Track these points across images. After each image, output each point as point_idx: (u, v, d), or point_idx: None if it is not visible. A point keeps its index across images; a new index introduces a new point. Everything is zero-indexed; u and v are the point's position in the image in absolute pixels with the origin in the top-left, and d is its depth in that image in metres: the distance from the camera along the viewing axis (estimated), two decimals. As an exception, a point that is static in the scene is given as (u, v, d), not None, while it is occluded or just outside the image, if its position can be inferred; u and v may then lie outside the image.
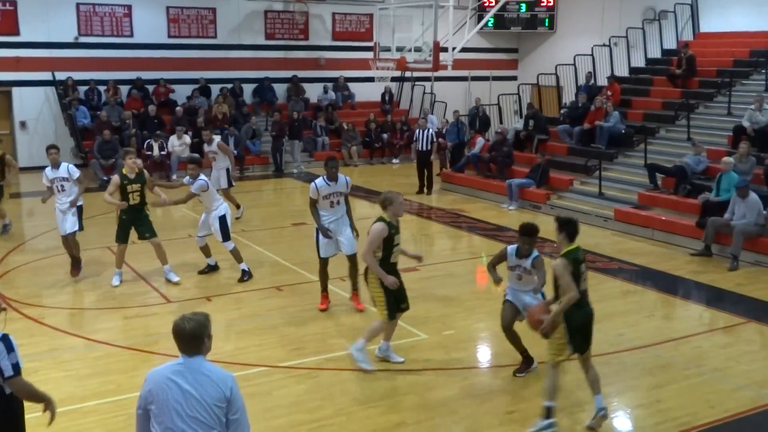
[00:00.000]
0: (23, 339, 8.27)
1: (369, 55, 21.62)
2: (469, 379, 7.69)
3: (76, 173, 10.82)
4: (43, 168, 11.17)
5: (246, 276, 10.93)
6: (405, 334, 8.75)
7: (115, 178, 10.48)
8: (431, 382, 7.53)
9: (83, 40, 21.66)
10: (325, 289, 9.73)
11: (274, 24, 24.36)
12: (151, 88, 22.37)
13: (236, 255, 11.03)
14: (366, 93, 25.10)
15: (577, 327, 6.39)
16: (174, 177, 19.78)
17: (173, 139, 19.97)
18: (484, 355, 8.49)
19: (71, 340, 8.60)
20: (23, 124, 21.30)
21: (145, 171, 10.99)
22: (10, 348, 4.54)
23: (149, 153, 19.99)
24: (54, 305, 9.76)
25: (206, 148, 13.60)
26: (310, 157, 22.65)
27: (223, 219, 10.88)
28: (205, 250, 11.24)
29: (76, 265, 11.01)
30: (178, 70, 22.76)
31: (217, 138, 14.39)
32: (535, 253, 7.56)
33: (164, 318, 9.06)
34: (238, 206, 14.92)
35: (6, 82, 20.90)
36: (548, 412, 6.44)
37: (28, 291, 10.26)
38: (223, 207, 10.98)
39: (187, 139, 20.24)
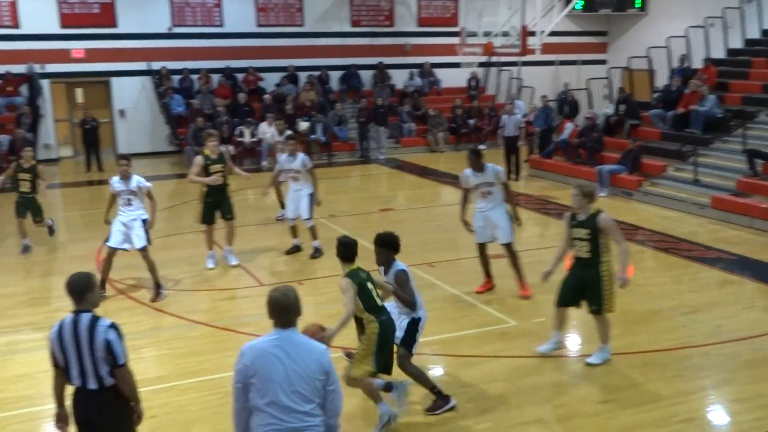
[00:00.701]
0: (126, 318, 8.63)
1: (455, 40, 21.48)
2: (560, 367, 7.58)
3: (147, 186, 9.73)
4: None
5: (317, 253, 11.35)
6: (494, 321, 8.71)
7: (198, 159, 10.74)
8: (521, 370, 7.46)
9: (176, 30, 22.28)
10: (486, 273, 9.73)
11: (360, 11, 24.46)
12: (240, 76, 22.82)
13: (314, 232, 11.44)
14: (452, 79, 24.93)
15: (382, 339, 6.11)
16: (264, 163, 20.18)
17: (263, 126, 20.34)
18: (574, 343, 8.34)
19: (170, 319, 8.90)
20: (122, 113, 22.10)
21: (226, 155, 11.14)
22: (120, 335, 4.64)
23: (240, 139, 20.44)
24: (154, 286, 10.06)
25: (277, 137, 13.59)
26: (397, 143, 22.70)
27: (312, 197, 11.30)
28: (294, 231, 11.60)
29: (156, 290, 9.78)
30: (266, 59, 23.14)
31: (292, 130, 14.16)
32: (398, 266, 6.60)
33: (257, 300, 9.24)
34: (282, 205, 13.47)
35: (105, 73, 21.71)
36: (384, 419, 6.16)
37: (129, 273, 10.62)
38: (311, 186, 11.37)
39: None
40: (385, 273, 6.64)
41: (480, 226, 9.54)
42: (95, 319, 4.61)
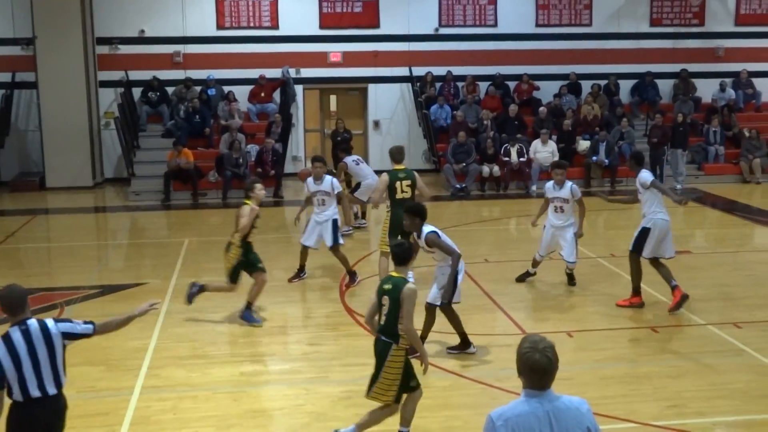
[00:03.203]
0: (365, 359, 9.02)
1: (784, 43, 20.24)
2: None
3: (338, 188, 12.44)
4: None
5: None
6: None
7: None
8: None
9: (443, 31, 23.10)
10: None
11: (662, 7, 23.89)
12: (512, 84, 23.10)
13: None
14: (776, 91, 23.51)
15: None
16: (534, 188, 20.20)
17: (536, 144, 20.38)
18: None
19: (416, 364, 9.14)
20: (376, 124, 23.28)
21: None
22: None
23: (506, 159, 20.63)
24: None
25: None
26: (699, 170, 21.73)
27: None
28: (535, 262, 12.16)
29: (351, 277, 12.28)
30: (544, 64, 23.27)
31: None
32: (426, 230, 8.79)
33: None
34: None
35: (363, 79, 23.01)
36: None
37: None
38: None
39: (552, 144, 20.51)
40: (418, 237, 8.85)
41: None
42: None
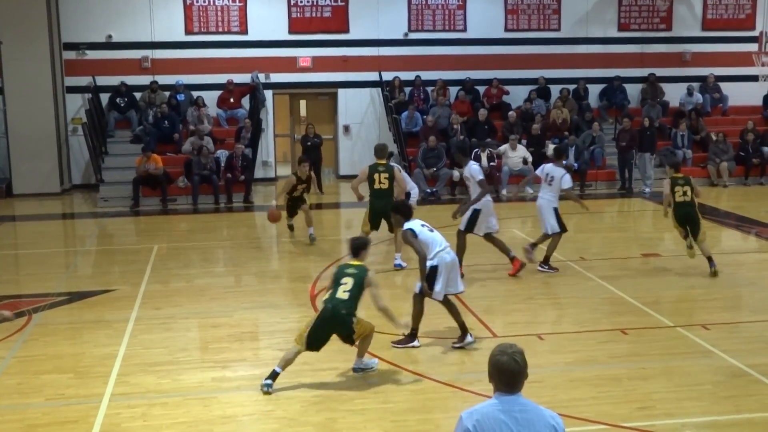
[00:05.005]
0: (337, 363, 9.04)
1: (751, 47, 20.49)
2: None
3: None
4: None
5: None
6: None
7: None
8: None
9: (413, 36, 23.20)
10: None
11: (630, 12, 24.16)
12: (482, 89, 23.24)
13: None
14: (743, 95, 23.88)
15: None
16: (504, 192, 20.33)
17: (506, 149, 20.48)
18: None
19: (387, 367, 9.17)
20: (346, 129, 23.30)
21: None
22: None
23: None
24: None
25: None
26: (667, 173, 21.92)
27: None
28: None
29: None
30: (513, 69, 23.44)
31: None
32: (404, 226, 9.34)
33: (488, 354, 9.27)
34: None
35: (332, 84, 23.04)
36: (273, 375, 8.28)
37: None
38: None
39: (522, 148, 20.64)
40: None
41: None
42: None
